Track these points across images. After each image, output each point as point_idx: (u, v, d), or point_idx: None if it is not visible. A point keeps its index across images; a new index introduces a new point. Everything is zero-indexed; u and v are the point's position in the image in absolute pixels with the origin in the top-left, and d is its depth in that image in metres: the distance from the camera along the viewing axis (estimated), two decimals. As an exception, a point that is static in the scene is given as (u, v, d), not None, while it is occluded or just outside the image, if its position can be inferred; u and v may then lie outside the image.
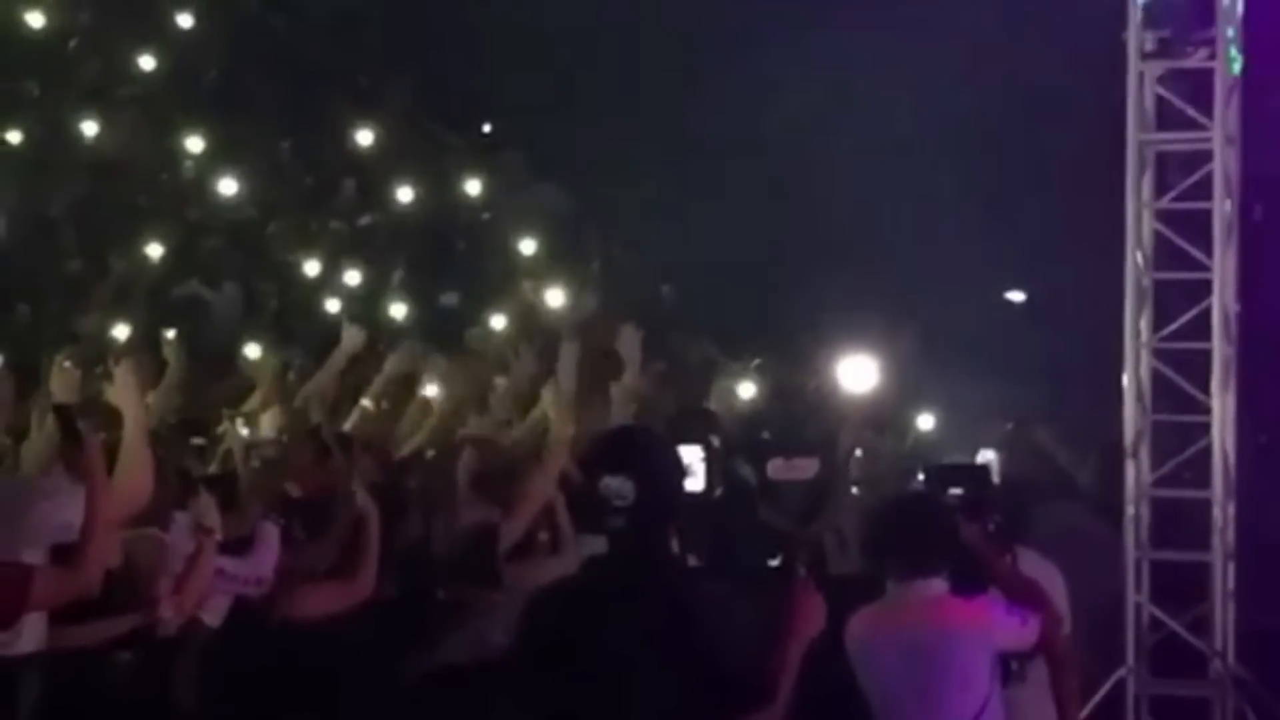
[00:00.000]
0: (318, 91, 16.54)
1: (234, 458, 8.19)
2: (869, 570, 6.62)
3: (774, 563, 5.80)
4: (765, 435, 9.69)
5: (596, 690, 4.97)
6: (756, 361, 12.14)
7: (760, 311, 15.02)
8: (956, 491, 6.83)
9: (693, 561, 5.32)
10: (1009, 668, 7.15)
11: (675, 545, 5.14)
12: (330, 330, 12.06)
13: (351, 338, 10.18)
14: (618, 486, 4.98)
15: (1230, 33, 9.52)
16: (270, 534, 7.22)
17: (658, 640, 4.93)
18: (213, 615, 7.09)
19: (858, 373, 11.04)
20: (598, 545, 5.26)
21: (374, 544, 7.20)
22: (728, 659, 4.97)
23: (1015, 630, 6.45)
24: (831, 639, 5.79)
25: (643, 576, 4.99)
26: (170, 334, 10.30)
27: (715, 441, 7.30)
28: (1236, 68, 9.55)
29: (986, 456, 9.04)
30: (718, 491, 7.01)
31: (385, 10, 16.06)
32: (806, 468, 9.28)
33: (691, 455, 5.90)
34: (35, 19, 15.60)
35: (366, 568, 7.18)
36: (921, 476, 7.08)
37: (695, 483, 5.91)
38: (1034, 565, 7.31)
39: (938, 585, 6.38)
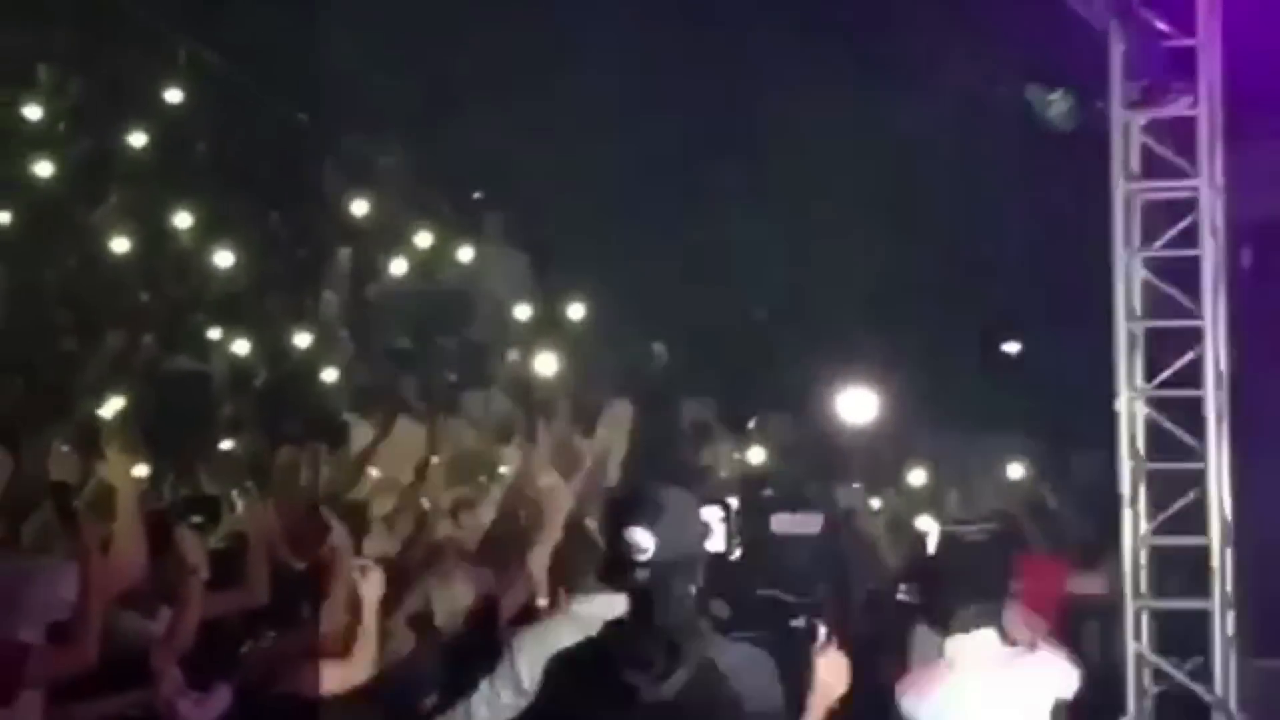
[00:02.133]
0: (306, 162, 16.60)
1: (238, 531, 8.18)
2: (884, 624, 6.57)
3: (796, 623, 5.76)
4: (768, 492, 9.70)
5: None
6: (753, 421, 12.17)
7: (755, 369, 15.07)
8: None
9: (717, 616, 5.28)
10: None
11: (697, 602, 5.11)
12: (325, 405, 12.10)
13: (361, 435, 10.19)
14: (641, 539, 4.96)
15: (1211, 79, 9.56)
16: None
17: (688, 700, 4.90)
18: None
19: (857, 406, 11.08)
20: (613, 603, 5.22)
21: (375, 624, 7.16)
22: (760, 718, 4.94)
23: (1068, 679, 6.40)
24: (854, 699, 5.76)
25: (669, 634, 4.96)
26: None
27: (733, 502, 7.28)
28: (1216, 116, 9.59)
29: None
30: (736, 552, 6.99)
31: (372, 77, 16.10)
32: (811, 523, 9.28)
33: (710, 515, 5.87)
34: (32, 111, 15.68)
35: (367, 649, 7.14)
36: (949, 526, 6.99)
37: (715, 543, 5.87)
38: None
39: (994, 636, 6.30)
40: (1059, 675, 6.38)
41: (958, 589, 6.37)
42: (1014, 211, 14.55)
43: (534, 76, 15.52)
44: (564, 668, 5.11)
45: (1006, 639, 6.36)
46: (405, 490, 9.52)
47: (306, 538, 8.17)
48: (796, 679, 5.16)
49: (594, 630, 5.19)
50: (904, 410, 11.98)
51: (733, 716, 4.87)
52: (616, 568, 5.00)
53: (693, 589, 5.05)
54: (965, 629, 6.28)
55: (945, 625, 6.33)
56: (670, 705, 4.87)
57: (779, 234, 15.56)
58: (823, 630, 5.41)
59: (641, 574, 4.96)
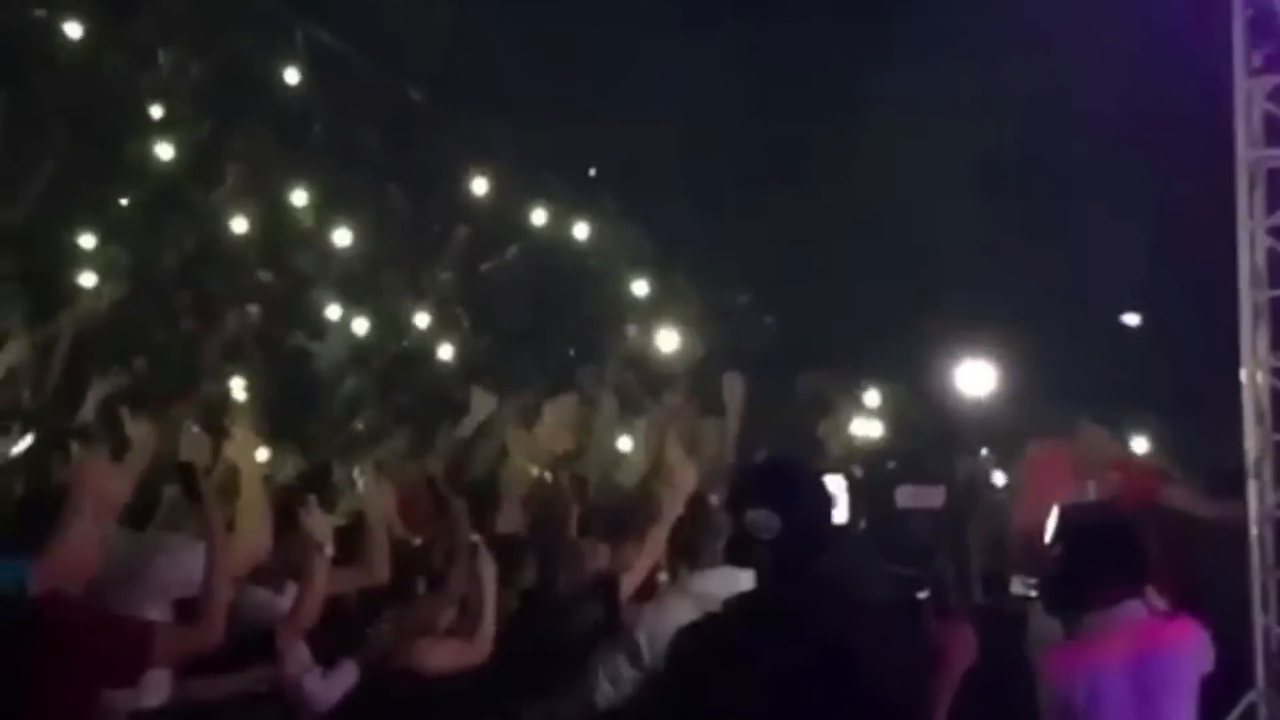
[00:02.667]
0: (423, 140, 16.68)
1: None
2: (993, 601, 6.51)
3: (922, 595, 5.74)
4: (891, 465, 9.67)
5: None
6: (873, 393, 12.07)
7: (869, 340, 15.00)
8: None
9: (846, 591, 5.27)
10: None
11: (825, 576, 5.10)
12: (442, 380, 12.16)
13: (482, 403, 10.20)
14: (763, 519, 4.96)
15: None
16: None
17: (816, 675, 4.89)
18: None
19: (976, 378, 11.01)
20: (728, 579, 5.21)
21: (492, 602, 7.19)
22: (889, 693, 4.93)
23: (1210, 649, 6.29)
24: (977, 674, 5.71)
25: (796, 610, 4.96)
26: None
27: (858, 472, 7.27)
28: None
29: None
30: (861, 523, 6.98)
31: (480, 56, 16.15)
32: (934, 496, 9.27)
33: (834, 486, 5.85)
34: (152, 93, 15.86)
35: (485, 627, 7.17)
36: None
37: (839, 514, 5.84)
38: None
39: (1139, 608, 6.19)
40: (1206, 645, 6.30)
41: (1110, 557, 6.23)
42: (1136, 181, 14.39)
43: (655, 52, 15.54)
44: (688, 642, 5.12)
45: (1149, 608, 6.27)
46: (549, 468, 9.51)
47: (424, 514, 8.20)
48: (921, 653, 5.14)
49: (714, 606, 5.19)
50: (1025, 382, 11.88)
51: (857, 693, 4.86)
52: (742, 546, 5.00)
53: (819, 565, 5.04)
54: (1114, 598, 6.18)
55: (1097, 597, 6.22)
56: (793, 681, 4.86)
57: (897, 205, 15.49)
58: (951, 601, 5.38)
59: (766, 552, 4.96)
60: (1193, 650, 6.21)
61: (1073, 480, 9.29)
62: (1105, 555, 6.24)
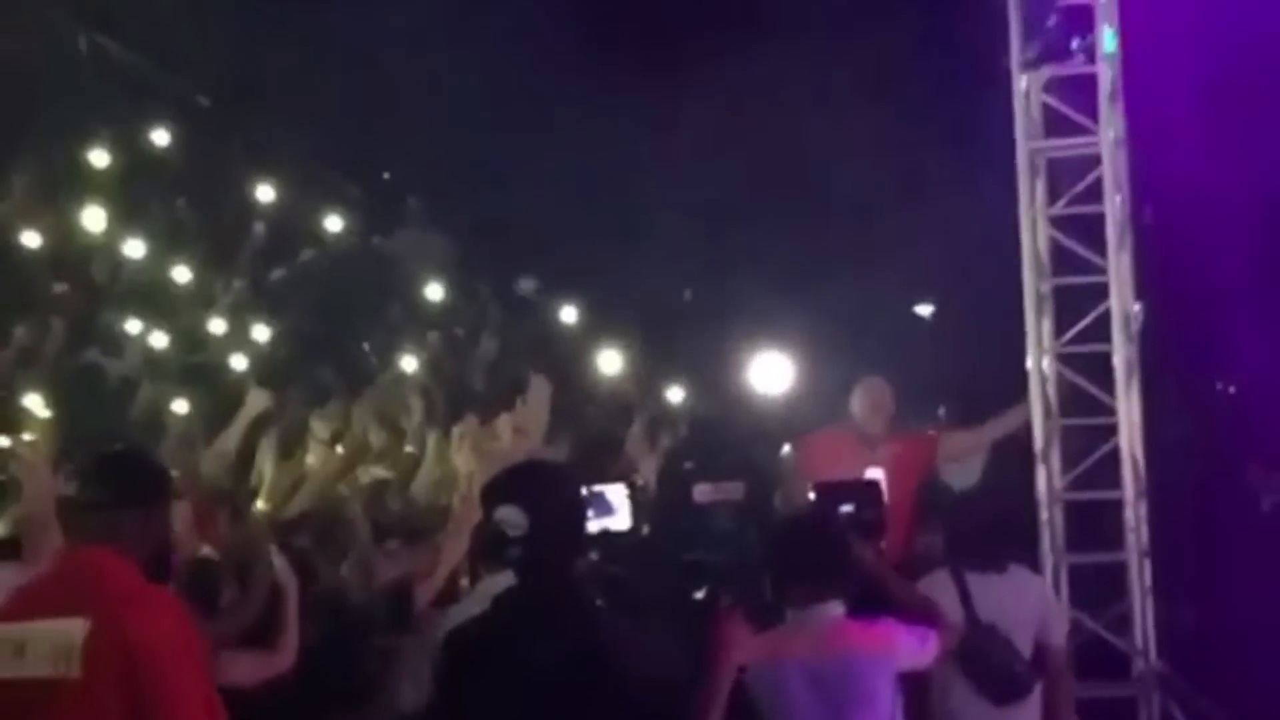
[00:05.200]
0: (212, 148, 16.49)
1: None
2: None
3: (699, 595, 5.81)
4: (689, 464, 9.72)
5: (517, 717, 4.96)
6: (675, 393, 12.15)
7: (671, 336, 15.10)
8: (847, 509, 6.85)
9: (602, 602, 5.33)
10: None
11: (581, 578, 5.16)
12: (236, 389, 12.03)
13: (256, 400, 10.13)
14: (511, 517, 5.01)
15: (1108, 36, 9.63)
16: None
17: (569, 671, 4.95)
18: None
19: (772, 373, 11.10)
20: (504, 582, 5.26)
21: (294, 613, 7.13)
22: (641, 691, 4.97)
23: (915, 649, 6.45)
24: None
25: (549, 606, 5.01)
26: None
27: (639, 480, 7.30)
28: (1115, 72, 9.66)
29: (874, 472, 9.08)
30: (644, 529, 7.03)
31: (276, 64, 16.01)
32: (733, 491, 9.33)
33: (616, 494, 5.93)
34: None
35: (288, 639, 7.11)
36: (811, 494, 7.07)
37: (621, 521, 5.92)
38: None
39: (836, 609, 6.36)
40: (904, 646, 6.47)
41: (802, 558, 6.41)
42: (922, 174, 14.61)
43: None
44: (454, 642, 5.17)
45: (853, 610, 6.42)
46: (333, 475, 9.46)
47: (214, 526, 8.12)
48: (690, 649, 5.21)
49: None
50: (819, 376, 12.00)
51: (614, 688, 4.91)
52: (494, 545, 5.05)
53: (577, 563, 5.09)
54: (808, 599, 6.34)
55: (793, 596, 6.36)
56: (549, 677, 4.91)
57: (693, 200, 15.60)
58: (726, 601, 5.45)
59: (514, 551, 5.01)
60: (883, 653, 6.33)
61: (850, 460, 9.43)
62: (805, 556, 6.39)
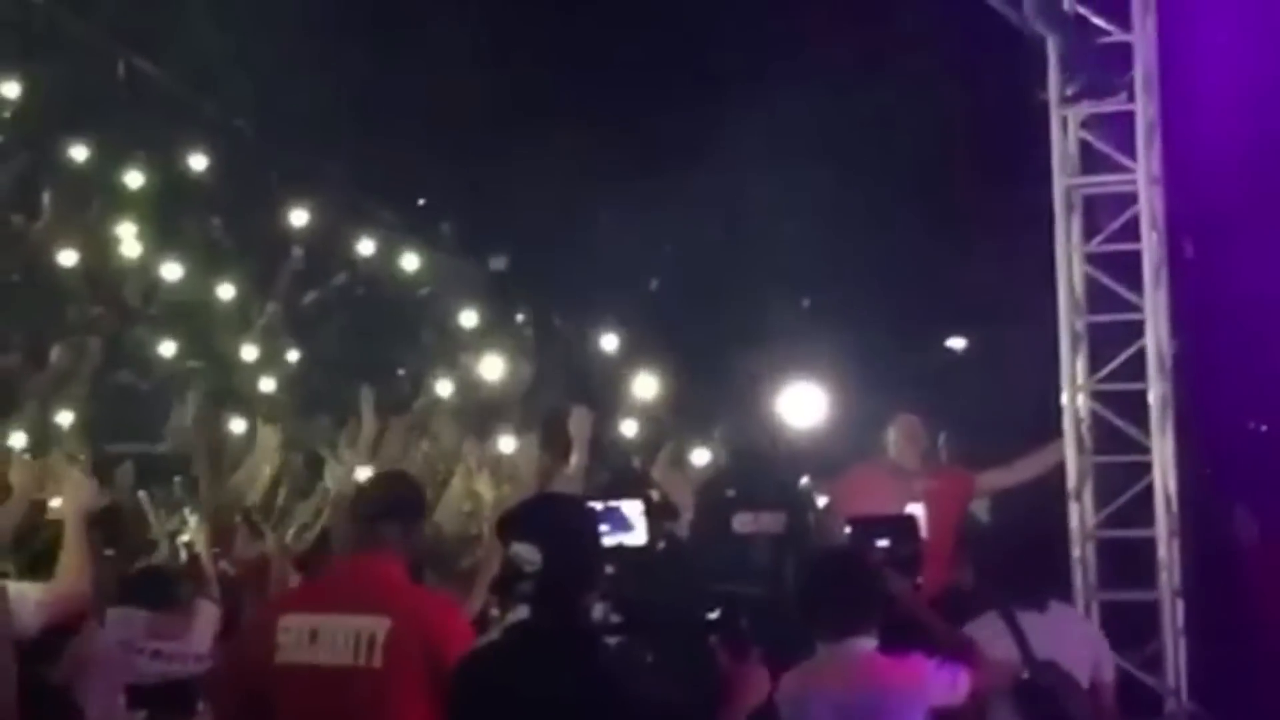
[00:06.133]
0: (250, 172, 16.55)
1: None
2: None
3: (713, 616, 5.78)
4: (730, 492, 9.70)
5: None
6: (718, 430, 12.14)
7: (713, 366, 15.09)
8: (883, 544, 6.81)
9: (616, 619, 5.33)
10: None
11: (594, 611, 5.17)
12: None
13: (267, 437, 10.15)
14: (525, 553, 5.01)
15: (1146, 73, 9.61)
16: (207, 610, 7.16)
17: (578, 705, 4.95)
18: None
19: (805, 405, 11.08)
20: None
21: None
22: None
23: (947, 687, 6.42)
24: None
25: (561, 640, 5.01)
26: None
27: (655, 495, 7.30)
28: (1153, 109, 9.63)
29: (913, 508, 9.04)
30: (660, 545, 7.01)
31: (310, 89, 16.07)
32: (774, 523, 9.32)
33: (632, 510, 5.92)
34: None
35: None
36: (847, 529, 7.03)
37: (637, 537, 5.92)
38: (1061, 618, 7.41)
39: (867, 644, 6.33)
40: (934, 684, 6.44)
41: (834, 593, 6.40)
42: (959, 209, 14.59)
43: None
44: (464, 669, 5.18)
45: (885, 646, 6.40)
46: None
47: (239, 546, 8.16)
48: (705, 684, 5.20)
49: None
50: (852, 408, 11.98)
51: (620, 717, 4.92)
52: (508, 580, 5.06)
53: (588, 598, 5.09)
54: (839, 634, 6.33)
55: (824, 631, 6.36)
56: (556, 709, 4.91)
57: (733, 231, 15.63)
58: (742, 623, 5.42)
59: (526, 587, 5.01)
60: (915, 690, 6.30)
61: (887, 494, 9.40)
62: (838, 589, 6.37)
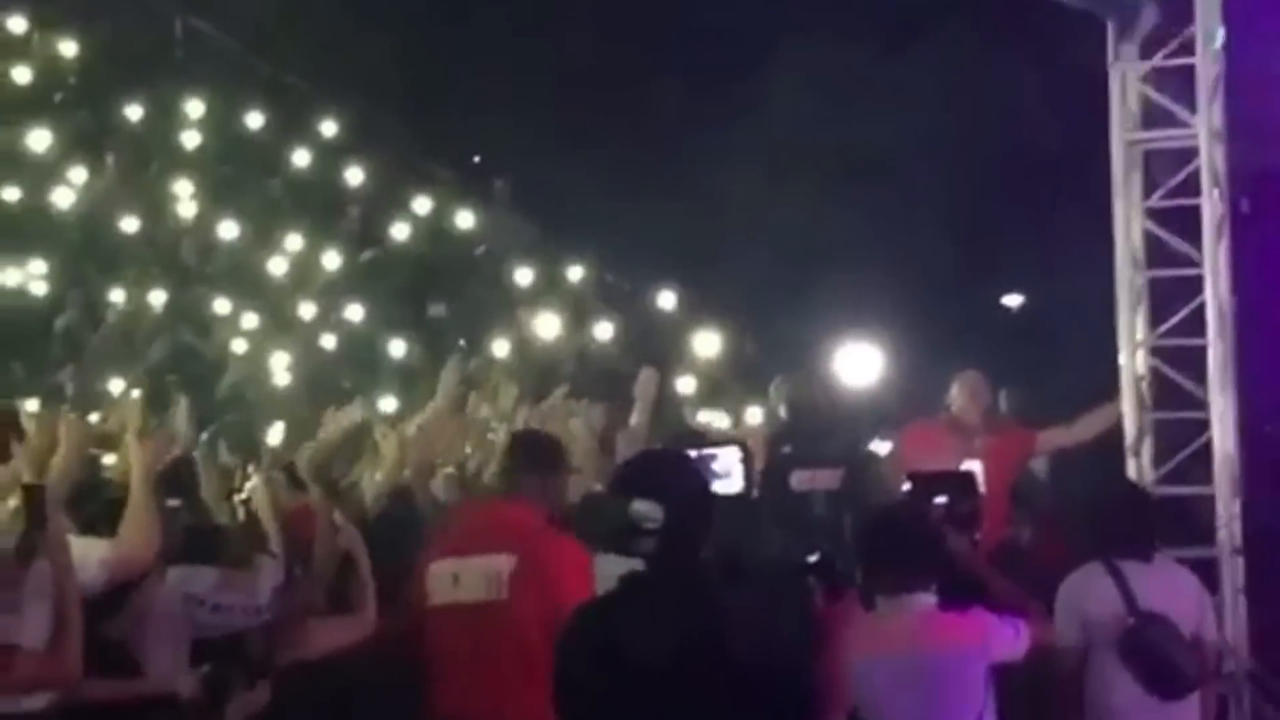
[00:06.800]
0: (308, 129, 16.58)
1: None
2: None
3: (812, 559, 5.84)
4: (787, 449, 9.70)
5: (639, 700, 4.99)
6: (776, 381, 12.15)
7: (767, 325, 15.08)
8: (942, 500, 6.80)
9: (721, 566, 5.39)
10: None
11: (713, 561, 5.21)
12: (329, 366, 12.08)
13: (350, 414, 10.12)
14: (648, 510, 5.06)
15: (1209, 28, 9.53)
16: (268, 565, 7.17)
17: (685, 662, 4.97)
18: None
19: (862, 362, 11.08)
20: (622, 566, 5.29)
21: (368, 575, 7.18)
22: (771, 673, 5.01)
23: (1009, 641, 6.43)
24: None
25: (677, 594, 5.06)
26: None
27: (750, 444, 7.29)
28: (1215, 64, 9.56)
29: (971, 464, 9.00)
30: (755, 492, 7.03)
31: (365, 47, 16.09)
32: (830, 479, 9.33)
33: (729, 456, 5.97)
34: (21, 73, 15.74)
35: (367, 601, 7.16)
36: (906, 485, 7.02)
37: (733, 484, 5.96)
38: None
39: (926, 600, 6.34)
40: (997, 638, 6.44)
41: (894, 548, 6.42)
42: (1015, 165, 14.53)
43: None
44: (582, 619, 5.20)
45: (945, 601, 6.40)
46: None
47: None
48: (805, 625, 5.25)
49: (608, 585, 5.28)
50: (909, 365, 11.97)
51: (733, 674, 4.95)
52: (624, 535, 5.09)
53: (701, 552, 5.13)
54: (899, 589, 6.36)
55: (884, 586, 6.38)
56: (669, 665, 4.94)
57: (785, 189, 15.58)
58: (839, 567, 5.47)
59: (648, 543, 5.05)
60: (976, 644, 6.31)
61: (947, 451, 9.39)
62: (897, 545, 6.38)
